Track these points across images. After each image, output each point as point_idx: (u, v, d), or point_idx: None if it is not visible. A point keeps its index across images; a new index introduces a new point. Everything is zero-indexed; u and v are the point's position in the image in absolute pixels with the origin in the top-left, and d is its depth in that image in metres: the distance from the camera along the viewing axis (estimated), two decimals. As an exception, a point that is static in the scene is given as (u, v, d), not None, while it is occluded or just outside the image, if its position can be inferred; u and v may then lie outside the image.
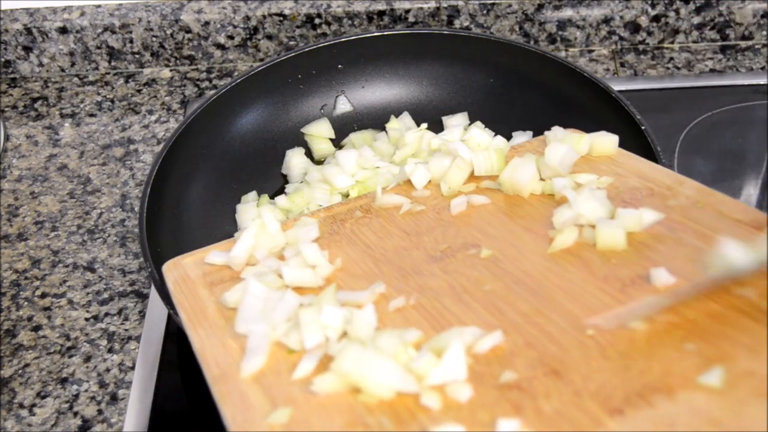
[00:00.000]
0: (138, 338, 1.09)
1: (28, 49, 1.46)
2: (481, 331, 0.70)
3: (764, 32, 1.43)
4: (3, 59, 1.47)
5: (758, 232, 0.73)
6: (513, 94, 1.23)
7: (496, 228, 0.84)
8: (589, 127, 1.01)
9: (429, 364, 0.66)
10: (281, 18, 1.43)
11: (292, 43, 1.46)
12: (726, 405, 0.59)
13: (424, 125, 1.18)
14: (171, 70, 1.48)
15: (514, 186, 0.89)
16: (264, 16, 1.43)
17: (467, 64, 1.25)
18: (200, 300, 0.80)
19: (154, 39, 1.45)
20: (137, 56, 1.47)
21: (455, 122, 1.23)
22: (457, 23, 1.44)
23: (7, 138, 1.38)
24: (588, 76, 1.13)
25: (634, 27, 1.43)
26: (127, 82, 1.47)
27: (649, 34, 1.44)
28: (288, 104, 1.25)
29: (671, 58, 1.43)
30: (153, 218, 1.04)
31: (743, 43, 1.44)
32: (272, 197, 1.19)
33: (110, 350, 1.08)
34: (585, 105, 1.14)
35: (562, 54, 1.46)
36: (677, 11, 1.41)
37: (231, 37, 1.45)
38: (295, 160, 1.22)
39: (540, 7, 1.42)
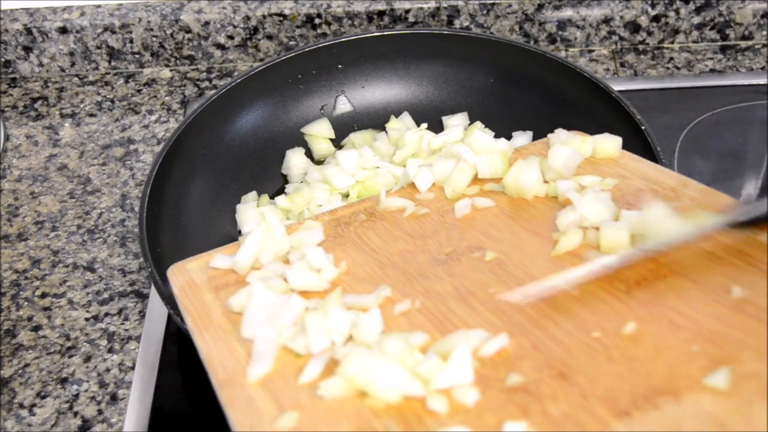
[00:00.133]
0: (138, 338, 1.09)
1: (28, 49, 1.46)
2: (487, 334, 0.70)
3: (764, 32, 1.43)
4: (3, 59, 1.47)
5: (760, 232, 0.74)
6: (513, 94, 1.23)
7: (500, 231, 0.84)
8: (589, 127, 1.01)
9: (435, 367, 0.66)
10: (281, 18, 1.43)
11: (292, 43, 1.46)
12: (732, 407, 0.59)
13: (424, 125, 1.18)
14: (171, 70, 1.48)
15: (518, 189, 0.89)
16: (264, 16, 1.43)
17: (467, 64, 1.25)
18: (206, 304, 0.80)
19: (154, 39, 1.45)
20: (137, 56, 1.47)
21: (455, 122, 1.23)
22: (457, 23, 1.44)
23: (7, 138, 1.37)
24: (588, 76, 1.13)
25: (634, 27, 1.43)
26: (127, 82, 1.47)
27: (649, 34, 1.44)
28: (288, 104, 1.25)
29: (671, 58, 1.43)
30: (153, 218, 1.04)
31: (743, 43, 1.44)
32: (272, 197, 1.18)
33: (110, 350, 1.08)
34: (585, 105, 1.14)
35: (562, 54, 1.46)
36: (677, 11, 1.41)
37: (231, 37, 1.45)
38: (295, 160, 1.22)
39: (540, 7, 1.42)
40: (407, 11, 1.43)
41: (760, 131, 1.27)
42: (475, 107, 1.24)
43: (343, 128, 1.26)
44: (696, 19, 1.42)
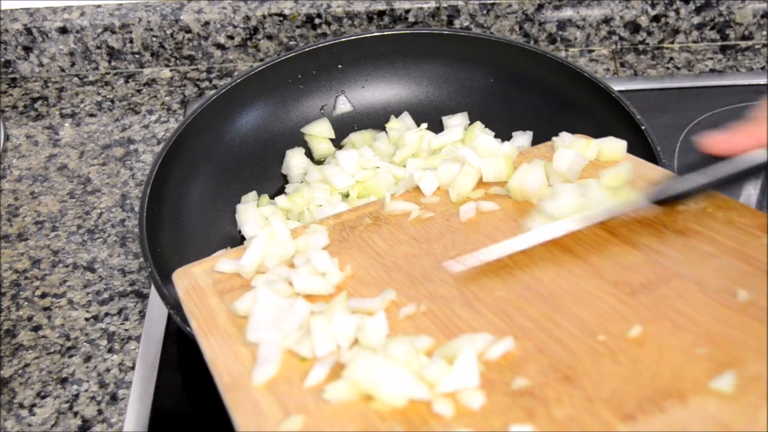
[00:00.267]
0: (138, 338, 1.09)
1: (28, 49, 1.45)
2: (492, 338, 0.70)
3: (764, 32, 1.43)
4: (3, 59, 1.46)
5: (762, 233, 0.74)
6: (513, 94, 1.23)
7: (505, 234, 0.84)
8: (589, 127, 1.01)
9: (441, 371, 0.66)
10: (281, 18, 1.43)
11: (292, 43, 1.46)
12: (738, 409, 0.59)
13: (424, 125, 1.18)
14: (171, 70, 1.48)
15: (522, 192, 0.89)
16: (264, 16, 1.43)
17: (467, 64, 1.25)
18: (211, 308, 0.80)
19: (154, 39, 1.45)
20: (137, 56, 1.47)
21: (455, 122, 1.23)
22: (457, 23, 1.44)
23: (7, 138, 1.37)
24: (588, 76, 1.13)
25: (634, 27, 1.43)
26: (127, 82, 1.46)
27: (649, 34, 1.44)
28: (288, 104, 1.25)
29: (671, 58, 1.43)
30: (153, 218, 1.04)
31: (743, 43, 1.44)
32: (272, 197, 1.19)
33: (110, 350, 1.08)
34: (585, 105, 1.15)
35: (562, 54, 1.46)
36: (677, 11, 1.41)
37: (231, 37, 1.45)
38: (295, 160, 1.22)
39: (540, 7, 1.42)
40: (407, 11, 1.43)
41: (760, 131, 1.27)
42: (475, 107, 1.24)
43: (343, 128, 1.26)
44: (696, 19, 1.42)
